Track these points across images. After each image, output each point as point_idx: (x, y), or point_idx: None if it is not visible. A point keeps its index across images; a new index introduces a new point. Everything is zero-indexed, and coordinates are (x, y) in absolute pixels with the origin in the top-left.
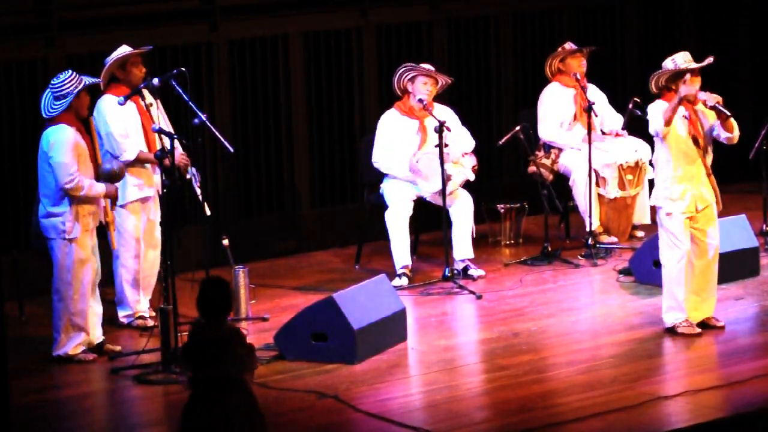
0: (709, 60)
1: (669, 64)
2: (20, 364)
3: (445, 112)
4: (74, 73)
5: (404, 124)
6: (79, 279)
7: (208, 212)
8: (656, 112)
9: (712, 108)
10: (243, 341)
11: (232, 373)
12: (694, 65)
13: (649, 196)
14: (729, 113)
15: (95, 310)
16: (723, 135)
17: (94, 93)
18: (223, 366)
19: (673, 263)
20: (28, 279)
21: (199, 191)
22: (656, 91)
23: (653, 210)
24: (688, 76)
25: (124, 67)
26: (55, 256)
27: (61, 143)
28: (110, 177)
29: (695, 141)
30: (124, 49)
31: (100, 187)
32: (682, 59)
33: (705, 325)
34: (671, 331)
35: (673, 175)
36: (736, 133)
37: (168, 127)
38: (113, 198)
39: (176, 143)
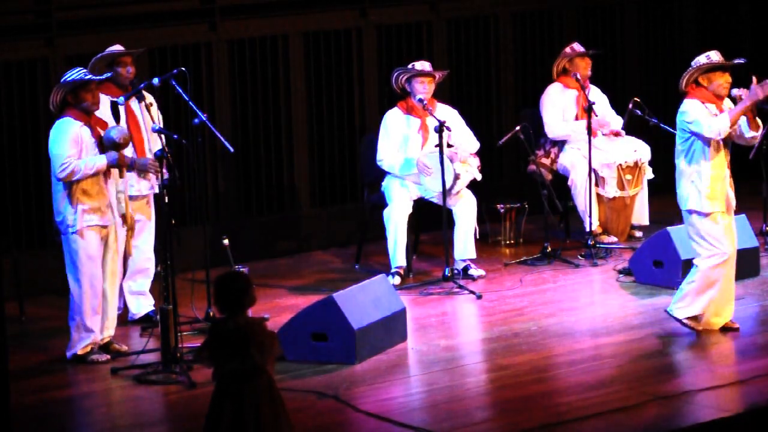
0: (741, 60)
1: (703, 59)
2: (20, 364)
3: (448, 113)
4: (82, 69)
5: (407, 122)
6: (89, 276)
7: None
8: (700, 111)
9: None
10: (264, 329)
11: (257, 361)
12: (726, 63)
13: (649, 197)
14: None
15: (108, 308)
16: (748, 134)
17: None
18: (249, 355)
19: (711, 267)
20: (28, 279)
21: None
22: (685, 88)
23: (646, 216)
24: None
25: (111, 67)
26: (65, 252)
27: (59, 135)
28: (114, 146)
29: (725, 140)
30: (113, 48)
31: (99, 161)
32: (716, 56)
33: (725, 329)
34: (677, 320)
35: (712, 174)
36: (760, 132)
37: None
38: (120, 167)
39: (151, 148)
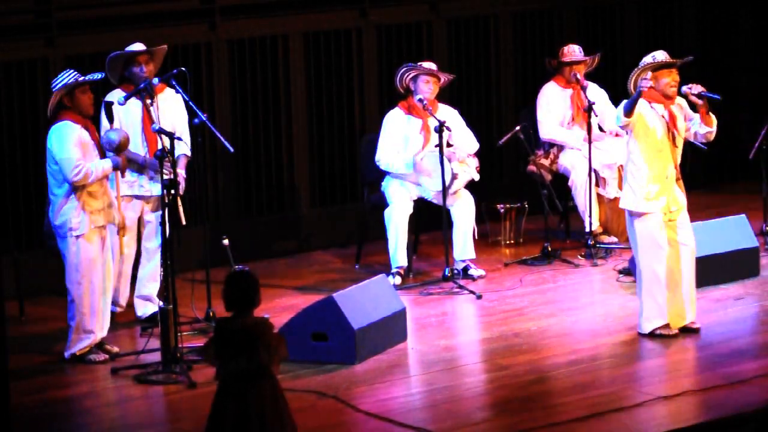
0: (689, 58)
1: (648, 59)
2: (20, 364)
3: (449, 113)
4: (71, 71)
5: (408, 122)
6: (89, 278)
7: (184, 221)
8: (622, 104)
9: (698, 96)
10: (272, 330)
11: (264, 361)
12: (672, 60)
13: None
14: (718, 96)
15: (104, 309)
16: (702, 131)
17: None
18: (255, 355)
19: (653, 266)
20: (28, 279)
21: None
22: (633, 89)
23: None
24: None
25: (126, 66)
26: (65, 255)
27: (63, 139)
28: (115, 149)
29: (673, 140)
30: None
31: (107, 164)
32: (662, 55)
33: (685, 329)
34: (650, 336)
35: (648, 174)
36: (714, 128)
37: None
38: (122, 169)
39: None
